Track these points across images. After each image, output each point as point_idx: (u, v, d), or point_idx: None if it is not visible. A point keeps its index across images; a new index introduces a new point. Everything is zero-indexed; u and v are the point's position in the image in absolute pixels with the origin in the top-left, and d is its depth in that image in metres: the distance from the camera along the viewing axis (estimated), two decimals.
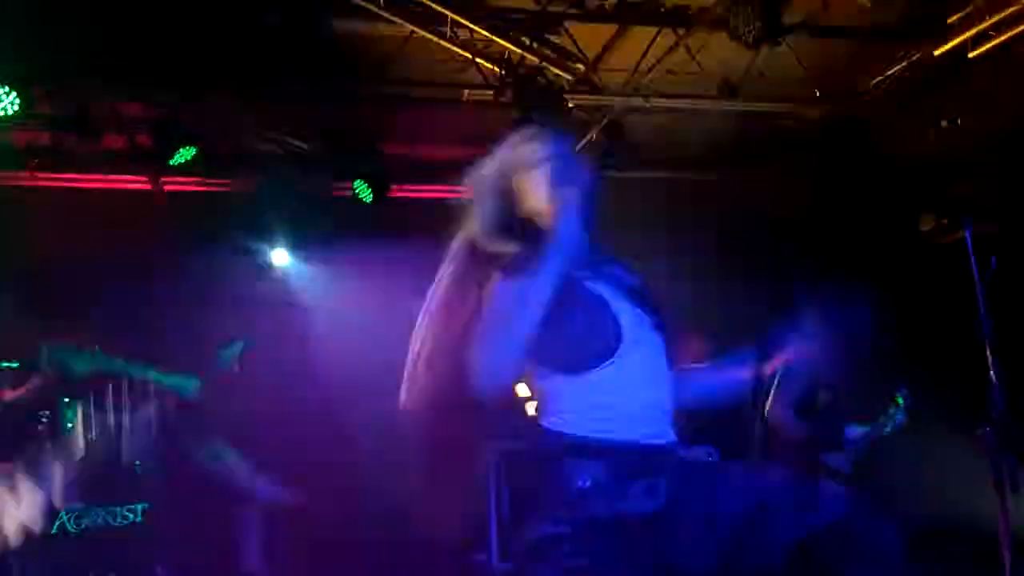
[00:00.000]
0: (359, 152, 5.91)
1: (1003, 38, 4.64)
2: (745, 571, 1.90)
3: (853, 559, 1.84)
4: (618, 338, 1.91)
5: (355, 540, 5.22)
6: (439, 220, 2.08)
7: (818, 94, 5.55)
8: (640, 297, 2.04)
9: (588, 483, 1.85)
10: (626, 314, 1.95)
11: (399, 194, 6.35)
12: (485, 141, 2.14)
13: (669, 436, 1.99)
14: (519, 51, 4.99)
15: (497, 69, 5.08)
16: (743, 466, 2.02)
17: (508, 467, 5.25)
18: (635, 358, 1.93)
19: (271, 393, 5.32)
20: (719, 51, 4.93)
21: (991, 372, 2.54)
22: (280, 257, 6.29)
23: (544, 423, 1.97)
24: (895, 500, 4.20)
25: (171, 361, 5.30)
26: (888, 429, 4.51)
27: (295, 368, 5.58)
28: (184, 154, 5.45)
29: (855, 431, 4.56)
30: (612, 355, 1.90)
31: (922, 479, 4.62)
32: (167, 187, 5.90)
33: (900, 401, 4.48)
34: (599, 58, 5.25)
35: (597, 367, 1.90)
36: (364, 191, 6.06)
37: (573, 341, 1.90)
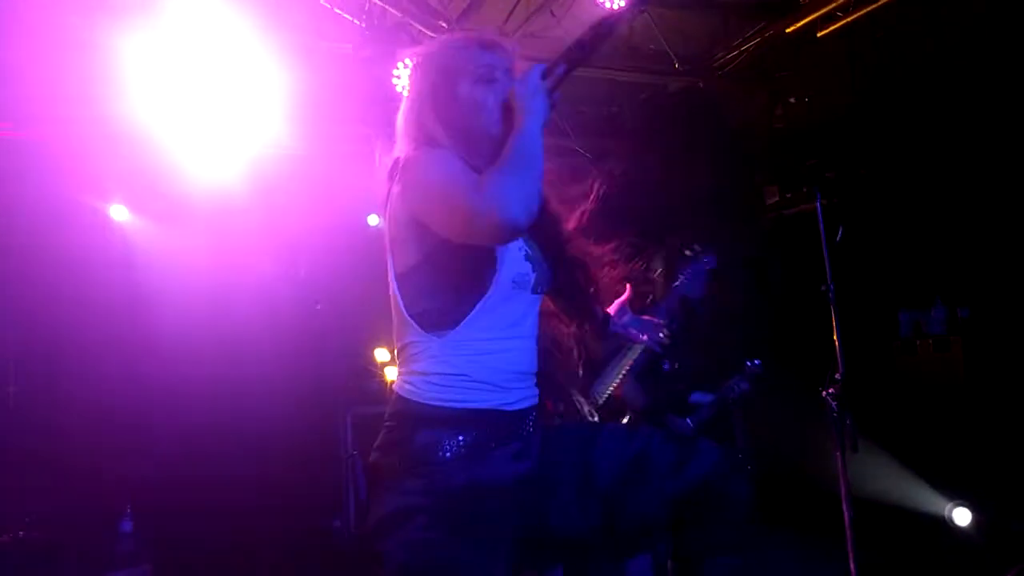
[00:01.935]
0: None
1: (850, 18, 4.86)
2: (625, 528, 1.92)
3: (724, 512, 1.89)
4: (479, 296, 1.86)
5: (206, 505, 5.02)
6: None
7: (676, 66, 5.67)
8: (541, 251, 2.00)
9: (447, 454, 1.81)
10: (507, 273, 1.89)
11: None
12: None
13: (532, 399, 1.96)
14: (381, 4, 4.84)
15: (357, 22, 4.90)
16: (617, 425, 2.03)
17: (361, 435, 5.20)
18: (497, 318, 1.88)
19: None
20: (583, 15, 4.93)
21: (835, 336, 2.66)
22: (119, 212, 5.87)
23: (400, 390, 1.90)
24: (743, 457, 4.42)
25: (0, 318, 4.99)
26: (732, 395, 4.70)
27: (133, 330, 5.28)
28: None
29: (701, 397, 4.72)
30: (469, 312, 1.85)
31: (771, 439, 4.85)
32: None
33: (745, 369, 4.67)
34: (463, 15, 5.15)
35: (455, 325, 1.85)
36: None
37: (438, 291, 1.85)
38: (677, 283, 4.11)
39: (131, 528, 4.78)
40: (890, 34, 4.75)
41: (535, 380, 1.99)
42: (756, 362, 4.45)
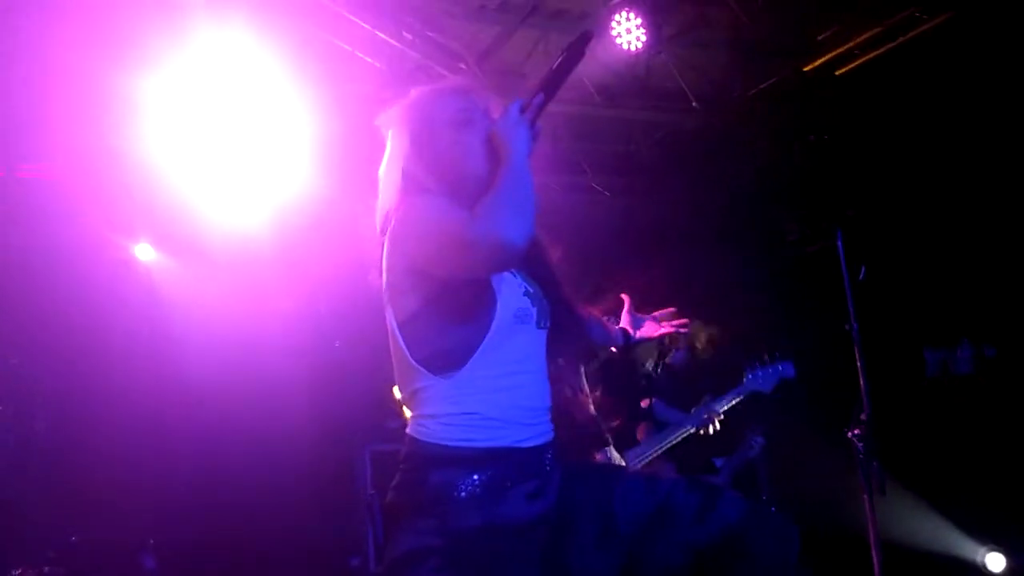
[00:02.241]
0: None
1: (868, 57, 4.88)
2: (649, 573, 1.88)
3: (748, 564, 1.84)
4: (483, 333, 1.86)
5: (226, 543, 5.02)
6: None
7: (693, 104, 5.69)
8: (540, 288, 2.01)
9: (461, 494, 1.79)
10: (507, 308, 1.90)
11: None
12: None
13: (547, 435, 1.95)
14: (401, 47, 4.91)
15: (377, 64, 4.97)
16: (639, 471, 2.00)
17: (378, 473, 5.19)
18: (503, 354, 1.88)
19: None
20: (603, 55, 4.98)
21: (860, 378, 2.62)
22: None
23: (414, 433, 1.90)
24: (771, 504, 4.36)
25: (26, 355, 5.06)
26: (752, 454, 4.67)
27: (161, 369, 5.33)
28: None
29: (719, 461, 4.72)
30: (475, 350, 1.85)
31: (795, 482, 4.79)
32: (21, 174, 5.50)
33: (753, 444, 4.65)
34: (483, 56, 5.22)
35: (462, 365, 1.85)
36: None
37: (442, 334, 1.85)
38: (747, 378, 4.22)
39: (154, 564, 4.78)
40: (908, 72, 4.75)
41: (548, 416, 1.98)
42: (758, 439, 4.46)
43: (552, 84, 1.99)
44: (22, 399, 5.04)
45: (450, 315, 1.86)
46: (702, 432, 4.22)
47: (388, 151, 2.07)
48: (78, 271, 5.17)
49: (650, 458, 4.18)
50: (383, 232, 1.95)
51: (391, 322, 1.93)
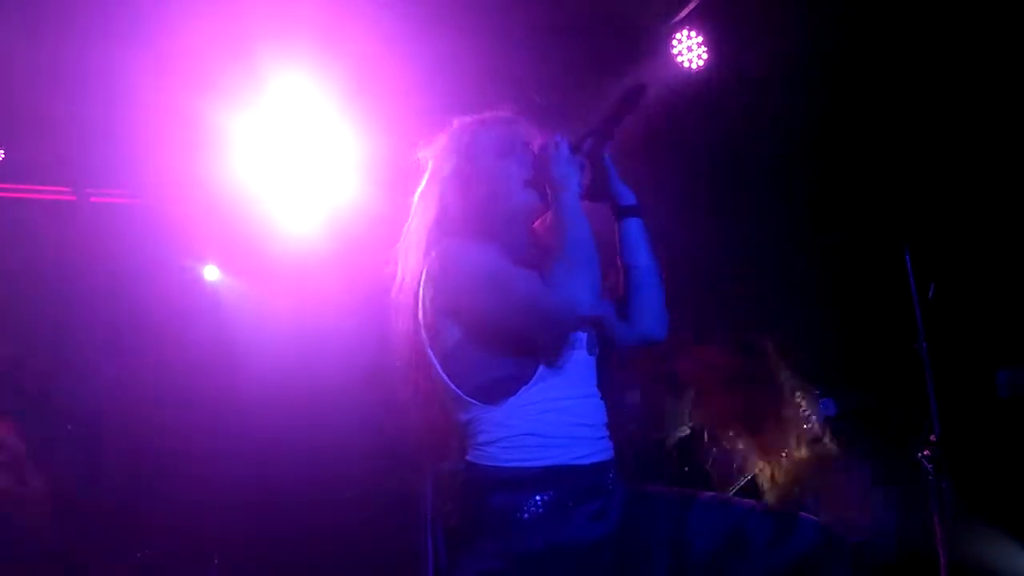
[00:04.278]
0: None
1: None
2: None
3: None
4: (535, 365, 1.87)
5: (288, 564, 5.08)
6: None
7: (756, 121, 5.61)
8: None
9: (525, 515, 1.79)
10: None
11: None
12: None
13: (606, 452, 1.94)
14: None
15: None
16: (712, 495, 1.98)
17: (439, 494, 5.20)
18: (556, 382, 1.88)
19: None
20: (663, 75, 5.00)
21: (930, 398, 2.55)
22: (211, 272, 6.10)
23: (471, 458, 1.91)
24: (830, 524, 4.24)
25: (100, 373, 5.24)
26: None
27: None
28: None
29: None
30: (529, 380, 1.85)
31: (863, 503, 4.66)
32: (93, 199, 5.71)
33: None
34: (539, 81, 5.26)
35: (514, 393, 1.85)
36: None
37: (491, 368, 1.86)
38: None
39: None
40: (982, 84, 4.63)
41: (607, 432, 1.97)
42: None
43: (603, 130, 2.00)
44: (91, 417, 5.19)
45: (502, 352, 1.87)
46: None
47: (425, 180, 2.09)
48: (146, 292, 5.33)
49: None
50: (419, 263, 1.96)
51: (430, 356, 1.93)
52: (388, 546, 4.97)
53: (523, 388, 1.85)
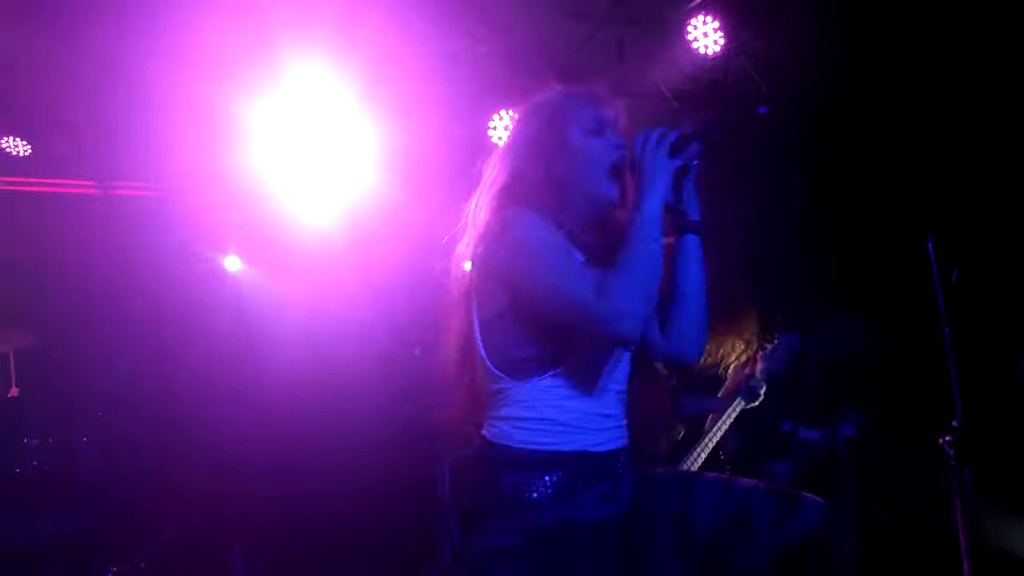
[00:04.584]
0: None
1: None
2: None
3: (829, 570, 1.82)
4: (568, 352, 1.86)
5: (304, 550, 5.14)
6: None
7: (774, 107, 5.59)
8: None
9: (535, 495, 1.82)
10: None
11: None
12: None
13: (620, 440, 1.95)
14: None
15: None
16: (716, 476, 1.99)
17: (457, 480, 5.24)
18: (587, 371, 1.88)
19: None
20: (678, 61, 4.98)
21: (952, 383, 2.55)
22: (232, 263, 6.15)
23: (488, 434, 1.92)
24: (854, 507, 4.26)
25: (133, 362, 5.30)
26: (840, 441, 4.54)
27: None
28: None
29: (808, 434, 4.58)
30: (558, 367, 1.86)
31: (885, 489, 4.66)
32: (116, 192, 5.76)
33: (854, 420, 4.53)
34: (557, 65, 5.25)
35: (541, 376, 1.86)
36: None
37: (525, 344, 1.86)
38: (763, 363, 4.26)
39: (241, 565, 4.92)
40: (1000, 69, 4.59)
41: (624, 422, 1.98)
42: (855, 414, 4.36)
43: (707, 137, 1.90)
44: (118, 404, 5.25)
45: (538, 332, 1.86)
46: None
47: (504, 142, 2.05)
48: (168, 282, 5.39)
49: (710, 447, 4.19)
50: (484, 229, 1.92)
51: (473, 316, 1.92)
52: (406, 531, 5.01)
53: (550, 372, 1.86)
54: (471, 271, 1.94)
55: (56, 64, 4.15)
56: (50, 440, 4.75)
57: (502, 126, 5.24)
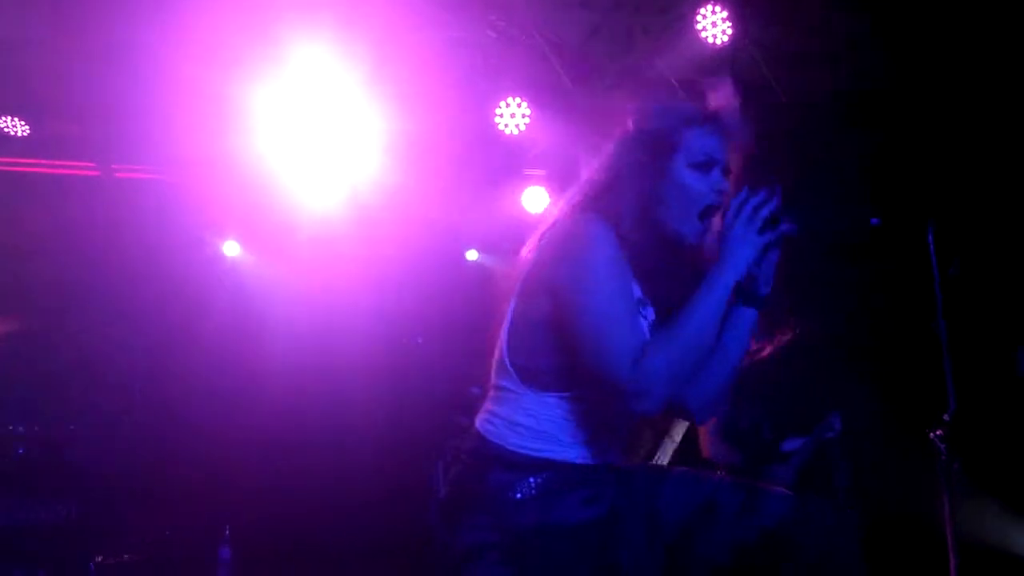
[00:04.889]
0: None
1: None
2: (693, 572, 1.86)
3: (794, 562, 1.80)
4: (589, 377, 1.82)
5: (298, 538, 5.14)
6: None
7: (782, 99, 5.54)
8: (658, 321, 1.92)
9: (518, 495, 1.81)
10: None
11: None
12: None
13: (613, 456, 1.95)
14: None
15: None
16: (686, 470, 1.97)
17: (447, 470, 5.23)
18: (601, 398, 1.85)
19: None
20: (686, 51, 4.93)
21: (947, 375, 2.51)
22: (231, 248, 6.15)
23: (481, 428, 1.91)
24: (845, 500, 4.22)
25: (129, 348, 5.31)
26: (828, 436, 4.51)
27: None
28: None
29: (792, 444, 4.56)
30: (572, 390, 1.84)
31: (874, 482, 4.63)
32: (118, 174, 5.77)
33: (833, 425, 4.49)
34: (568, 52, 5.22)
35: (552, 392, 1.84)
36: None
37: (546, 355, 1.84)
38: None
39: (229, 554, 4.92)
40: (1002, 63, 4.54)
41: (621, 442, 1.98)
42: (836, 419, 4.32)
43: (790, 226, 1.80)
44: (112, 391, 5.27)
45: (563, 349, 1.82)
46: None
47: (608, 147, 1.93)
48: (168, 267, 5.40)
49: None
50: (549, 230, 1.87)
51: (510, 309, 1.89)
52: (401, 522, 5.01)
53: (563, 393, 1.85)
54: (526, 265, 1.89)
55: (56, 44, 4.16)
56: (36, 428, 4.74)
57: (508, 113, 5.22)
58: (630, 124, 1.90)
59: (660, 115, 1.88)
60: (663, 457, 4.21)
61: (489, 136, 5.34)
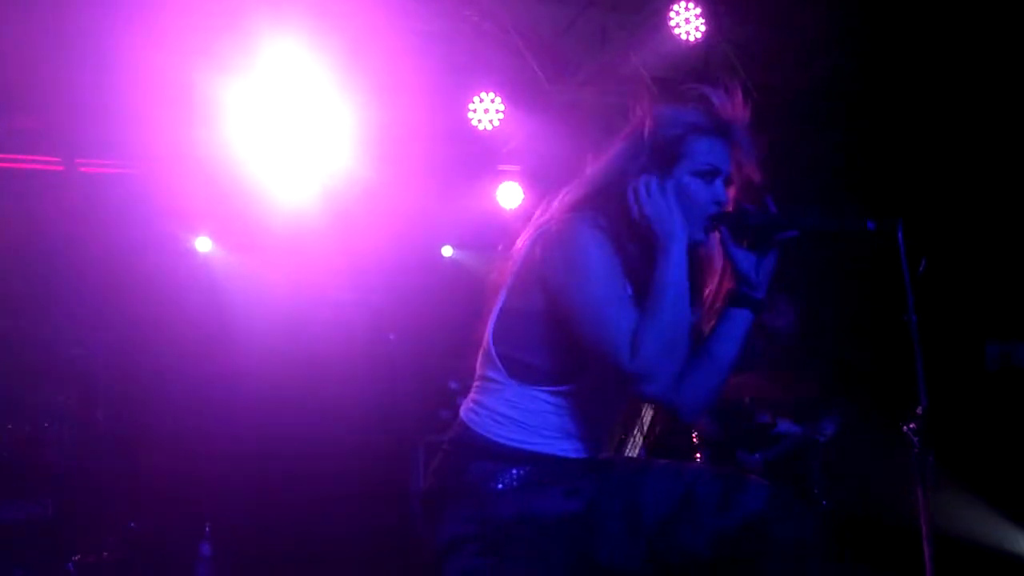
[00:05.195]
0: None
1: None
2: (672, 564, 1.88)
3: (772, 552, 1.81)
4: (578, 374, 1.84)
5: (277, 531, 5.10)
6: None
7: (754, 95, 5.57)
8: None
9: (500, 486, 1.82)
10: None
11: None
12: None
13: (596, 452, 1.95)
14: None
15: None
16: (667, 462, 1.98)
17: (431, 464, 5.21)
18: (586, 398, 1.87)
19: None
20: (659, 47, 4.95)
21: (918, 370, 2.54)
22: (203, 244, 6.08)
23: (465, 417, 1.92)
24: (819, 493, 4.27)
25: (101, 345, 5.23)
26: (820, 438, 4.55)
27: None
28: None
29: (789, 427, 4.59)
30: (558, 385, 1.84)
31: (848, 475, 4.69)
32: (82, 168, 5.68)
33: (825, 430, 4.54)
34: (541, 48, 5.21)
35: (538, 386, 1.85)
36: None
37: (533, 350, 1.84)
38: None
39: (210, 551, 4.89)
40: (970, 61, 4.60)
41: (603, 439, 1.98)
42: (839, 409, 4.36)
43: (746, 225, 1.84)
44: (84, 389, 5.20)
45: (552, 342, 1.83)
46: None
47: (612, 142, 1.93)
48: (137, 263, 5.32)
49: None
50: (544, 224, 1.85)
51: (499, 298, 1.89)
52: (378, 516, 4.99)
53: (549, 388, 1.85)
54: (518, 259, 1.88)
55: (22, 37, 4.07)
56: (10, 427, 4.67)
57: (482, 109, 5.21)
58: (638, 125, 1.89)
59: (670, 120, 1.87)
60: (633, 449, 4.22)
61: (463, 131, 5.32)
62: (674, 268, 1.75)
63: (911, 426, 2.50)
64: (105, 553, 4.68)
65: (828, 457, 4.43)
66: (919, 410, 2.51)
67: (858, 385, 4.67)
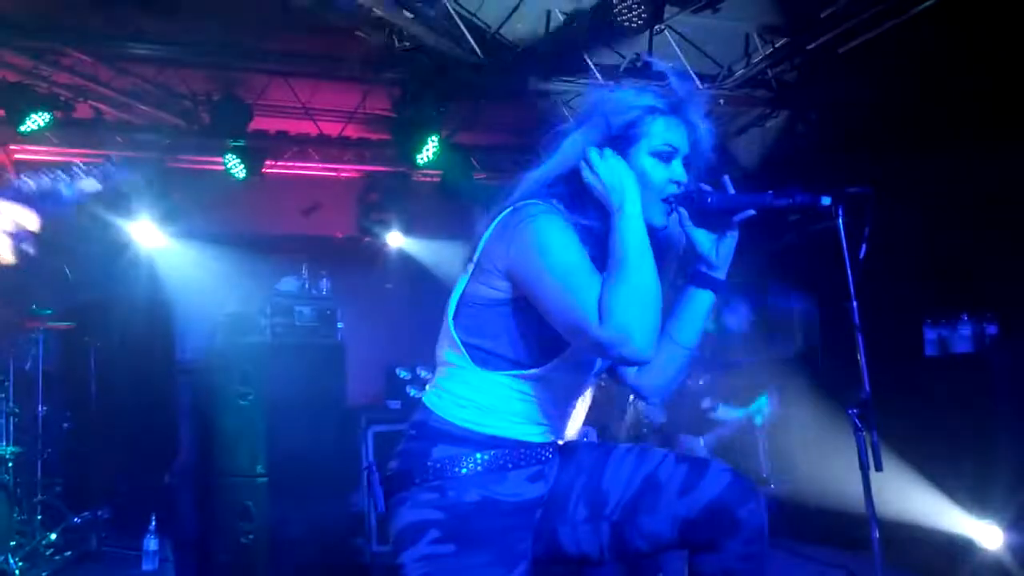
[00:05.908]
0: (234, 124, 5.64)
1: (871, 34, 4.83)
2: (635, 548, 1.90)
3: (734, 535, 1.85)
4: (537, 364, 1.84)
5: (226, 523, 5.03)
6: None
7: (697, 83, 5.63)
8: None
9: (462, 471, 1.82)
10: (577, 353, 1.85)
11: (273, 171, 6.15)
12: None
13: (559, 435, 1.97)
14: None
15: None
16: (629, 447, 2.00)
17: (382, 454, 5.19)
18: (548, 386, 1.87)
19: None
20: (603, 35, 4.95)
21: (859, 355, 2.60)
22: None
23: (428, 401, 1.91)
24: (769, 478, 4.37)
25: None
26: (760, 420, 4.66)
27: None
28: (36, 120, 5.08)
29: (729, 411, 4.68)
30: (523, 370, 1.84)
31: (795, 458, 4.80)
32: (16, 156, 5.50)
33: (763, 400, 4.64)
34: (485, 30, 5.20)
35: (503, 372, 1.85)
36: (236, 166, 5.81)
37: (498, 339, 1.84)
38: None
39: (158, 543, 4.84)
40: (911, 49, 4.72)
41: (565, 422, 1.99)
42: (768, 395, 4.47)
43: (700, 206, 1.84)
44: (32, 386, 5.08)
45: (515, 331, 1.82)
46: None
47: (571, 126, 1.91)
48: (80, 254, 5.18)
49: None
50: (508, 220, 1.82)
51: (464, 284, 1.87)
52: (330, 505, 4.95)
53: (512, 372, 1.84)
54: (481, 245, 1.86)
55: None
56: None
57: None
58: (593, 109, 1.89)
59: (626, 102, 1.87)
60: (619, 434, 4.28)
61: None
62: (633, 226, 1.75)
63: (854, 410, 2.58)
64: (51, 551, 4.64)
65: (772, 441, 4.54)
66: (862, 395, 2.59)
67: (800, 370, 4.79)
